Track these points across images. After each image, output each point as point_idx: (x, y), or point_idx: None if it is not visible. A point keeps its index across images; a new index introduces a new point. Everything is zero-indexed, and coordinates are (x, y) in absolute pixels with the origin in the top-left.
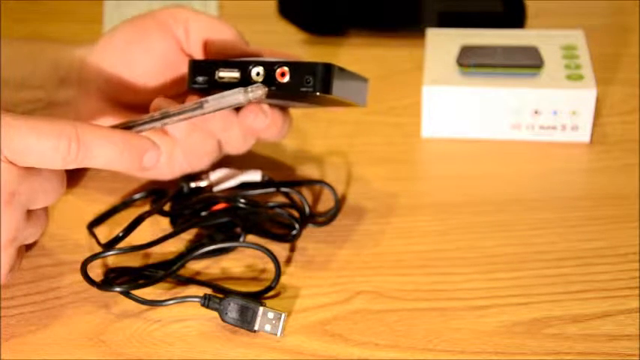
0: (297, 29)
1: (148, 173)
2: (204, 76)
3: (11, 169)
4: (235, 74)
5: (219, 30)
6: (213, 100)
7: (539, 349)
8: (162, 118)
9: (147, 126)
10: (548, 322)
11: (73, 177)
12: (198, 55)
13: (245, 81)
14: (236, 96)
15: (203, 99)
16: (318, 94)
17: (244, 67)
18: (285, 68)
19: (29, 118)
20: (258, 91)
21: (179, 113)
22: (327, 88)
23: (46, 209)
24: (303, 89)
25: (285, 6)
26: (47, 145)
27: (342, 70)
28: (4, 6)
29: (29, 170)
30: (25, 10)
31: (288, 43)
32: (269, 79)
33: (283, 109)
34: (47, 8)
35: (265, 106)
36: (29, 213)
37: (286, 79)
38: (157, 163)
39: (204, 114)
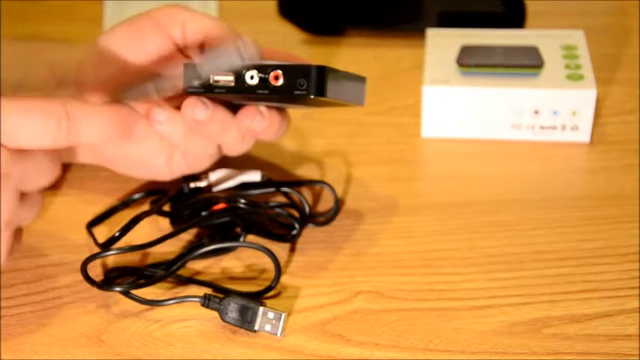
0: (297, 29)
1: (146, 174)
2: (199, 80)
3: (2, 151)
4: (230, 77)
5: (216, 30)
6: (207, 64)
7: (539, 349)
8: (156, 87)
9: (142, 96)
10: (548, 322)
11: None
12: (196, 56)
13: (240, 85)
14: (230, 57)
15: (197, 63)
16: (312, 97)
17: (238, 71)
18: (279, 71)
19: (17, 99)
20: (251, 48)
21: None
22: (320, 91)
23: (41, 192)
24: (297, 92)
25: (285, 6)
26: (37, 124)
27: (336, 71)
28: (4, 6)
29: (20, 152)
30: (25, 10)
31: (288, 43)
32: (263, 83)
33: (281, 109)
34: (47, 8)
35: (262, 108)
36: (23, 195)
37: (280, 82)
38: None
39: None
